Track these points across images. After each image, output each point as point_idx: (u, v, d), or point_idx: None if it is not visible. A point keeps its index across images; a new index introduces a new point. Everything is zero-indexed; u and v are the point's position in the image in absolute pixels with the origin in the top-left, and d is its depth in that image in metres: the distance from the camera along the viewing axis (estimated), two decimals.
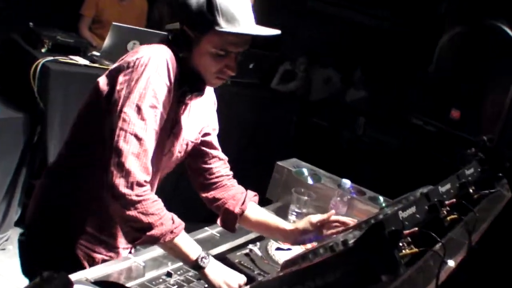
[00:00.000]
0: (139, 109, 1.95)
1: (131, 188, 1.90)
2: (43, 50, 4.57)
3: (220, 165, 2.54)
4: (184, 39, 2.10)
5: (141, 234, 1.93)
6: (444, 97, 6.36)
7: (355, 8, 9.31)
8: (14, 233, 4.50)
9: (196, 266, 2.05)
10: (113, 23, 4.69)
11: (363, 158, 7.25)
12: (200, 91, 2.23)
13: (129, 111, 1.95)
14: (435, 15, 7.49)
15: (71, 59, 4.60)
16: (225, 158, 2.58)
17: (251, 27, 2.10)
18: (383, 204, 3.16)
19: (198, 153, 2.49)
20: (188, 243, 2.05)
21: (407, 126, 7.11)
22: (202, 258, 2.05)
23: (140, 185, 1.92)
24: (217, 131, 2.57)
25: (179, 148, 2.35)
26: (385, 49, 8.68)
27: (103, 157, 1.97)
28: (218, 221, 2.54)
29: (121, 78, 2.03)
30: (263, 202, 3.37)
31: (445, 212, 1.81)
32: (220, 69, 2.13)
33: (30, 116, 4.34)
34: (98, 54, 4.90)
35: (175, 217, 2.02)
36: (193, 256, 2.04)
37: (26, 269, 2.37)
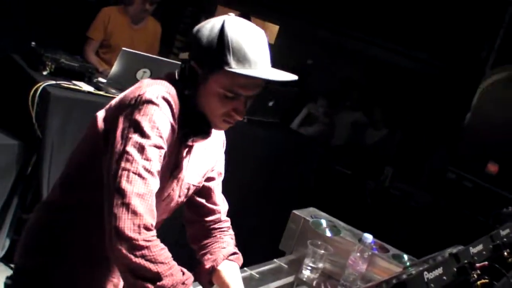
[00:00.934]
0: (142, 149, 1.94)
1: (138, 232, 1.87)
2: (44, 73, 4.57)
3: (214, 219, 2.53)
4: (191, 75, 2.10)
5: (147, 285, 1.88)
6: (481, 149, 6.37)
7: (389, 47, 9.37)
8: None
9: None
10: (123, 48, 4.71)
11: (388, 212, 7.22)
12: (204, 134, 2.22)
13: (131, 150, 1.93)
14: (475, 59, 7.52)
15: (74, 84, 4.59)
16: (223, 209, 2.57)
17: (264, 70, 2.07)
18: (407, 263, 3.14)
19: (192, 203, 2.49)
20: None
21: (439, 179, 7.10)
22: None
23: (147, 228, 1.89)
24: (222, 177, 2.57)
25: (179, 192, 2.34)
26: (418, 92, 8.71)
27: (99, 199, 1.98)
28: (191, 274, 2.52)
29: (121, 116, 2.01)
30: (276, 253, 3.38)
31: (475, 275, 1.81)
32: (226, 112, 2.11)
33: (25, 143, 4.33)
34: (104, 81, 4.91)
35: (183, 268, 2.00)
36: None
37: None
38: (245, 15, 6.18)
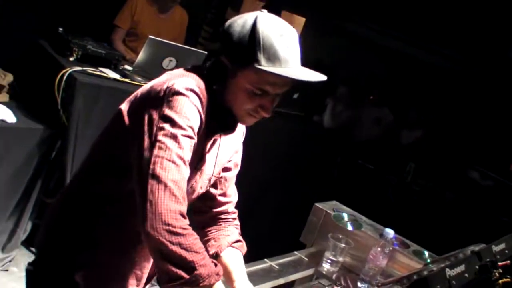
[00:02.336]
0: (175, 137, 1.94)
1: (175, 218, 1.86)
2: (71, 59, 4.60)
3: (222, 210, 2.53)
4: (220, 69, 2.09)
5: (181, 273, 1.86)
6: (506, 147, 6.33)
7: (417, 44, 9.31)
8: (20, 254, 4.52)
9: None
10: (150, 36, 4.72)
11: (410, 208, 7.19)
12: (230, 129, 2.21)
13: (164, 139, 1.93)
14: (506, 58, 7.47)
15: (100, 71, 4.62)
16: (233, 201, 2.57)
17: (293, 69, 2.06)
18: (428, 260, 3.13)
19: (204, 194, 2.47)
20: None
21: (463, 177, 7.06)
22: None
23: (183, 216, 1.89)
24: (238, 169, 2.56)
25: (202, 184, 2.35)
26: (447, 90, 8.65)
27: (126, 187, 2.01)
28: None
29: (151, 107, 2.00)
30: (296, 246, 3.38)
31: (497, 274, 1.80)
32: (253, 108, 2.11)
33: (50, 128, 4.36)
34: (130, 68, 4.93)
35: (213, 259, 2.00)
36: None
37: None
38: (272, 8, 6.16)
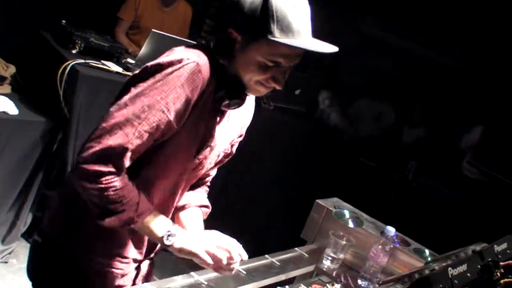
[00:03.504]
0: (149, 107, 1.99)
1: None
2: (73, 52, 4.61)
3: (206, 180, 2.62)
4: (229, 43, 2.07)
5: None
6: (509, 146, 6.32)
7: (421, 41, 9.30)
8: (20, 247, 4.54)
9: (164, 245, 2.11)
10: (153, 30, 4.72)
11: (411, 206, 7.19)
12: (239, 99, 2.19)
13: (134, 104, 2.00)
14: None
15: (103, 64, 4.63)
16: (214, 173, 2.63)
17: (307, 41, 2.05)
18: (429, 258, 3.12)
19: None
20: (155, 222, 2.11)
21: (465, 175, 7.06)
22: (168, 236, 2.09)
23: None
24: (242, 138, 2.57)
25: (211, 160, 2.36)
26: (452, 88, 8.65)
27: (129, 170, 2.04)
28: None
29: (147, 77, 2.05)
30: (297, 242, 3.37)
31: (499, 274, 1.80)
32: (265, 79, 2.10)
33: (52, 121, 4.37)
34: (133, 61, 4.93)
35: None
36: (159, 234, 2.10)
37: (33, 274, 2.38)
38: None
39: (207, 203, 2.59)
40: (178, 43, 4.85)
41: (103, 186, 1.97)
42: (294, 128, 6.06)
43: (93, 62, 4.54)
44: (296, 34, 2.01)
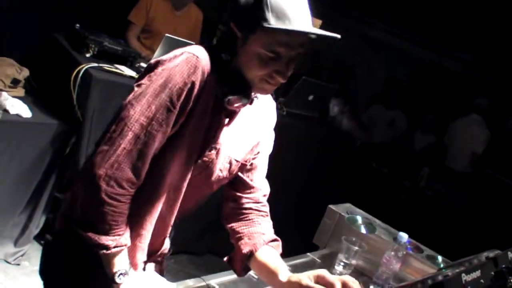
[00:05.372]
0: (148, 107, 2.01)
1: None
2: (87, 55, 4.63)
3: (252, 197, 2.45)
4: (230, 38, 2.07)
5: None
6: None
7: (432, 48, 9.30)
8: (32, 249, 4.55)
9: (112, 281, 2.09)
10: (166, 34, 4.72)
11: (424, 212, 7.18)
12: (244, 96, 2.13)
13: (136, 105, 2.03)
14: None
15: (116, 68, 4.65)
16: (264, 191, 2.49)
17: (304, 26, 2.01)
18: (442, 265, 3.12)
19: (235, 178, 2.42)
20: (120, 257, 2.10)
21: (477, 182, 7.05)
22: (120, 274, 2.08)
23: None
24: (265, 157, 2.49)
25: (221, 166, 2.29)
26: (463, 94, 8.64)
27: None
28: (225, 259, 2.45)
29: (149, 74, 2.08)
30: (309, 247, 3.38)
31: None
32: (268, 73, 2.06)
33: (65, 124, 4.39)
34: (145, 66, 4.93)
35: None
36: (114, 269, 2.08)
37: (45, 272, 2.38)
38: None
39: (273, 236, 2.44)
40: None
41: (106, 200, 1.98)
42: (307, 134, 6.05)
43: (106, 66, 4.56)
44: (293, 20, 1.98)
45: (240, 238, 2.38)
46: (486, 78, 8.77)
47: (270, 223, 2.49)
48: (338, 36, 2.03)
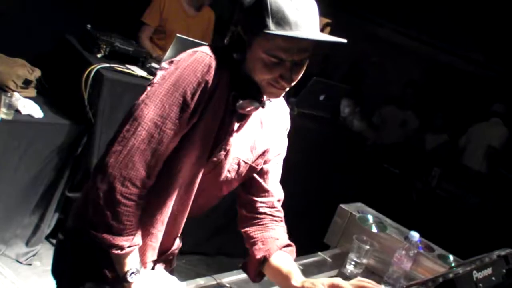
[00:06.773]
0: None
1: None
2: (98, 56, 4.64)
3: (266, 202, 2.45)
4: (238, 41, 2.07)
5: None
6: None
7: (446, 49, 9.28)
8: (43, 249, 4.56)
9: (124, 280, 2.10)
10: (178, 35, 4.72)
11: (435, 212, 7.17)
12: (254, 99, 2.14)
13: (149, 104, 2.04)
14: None
15: (128, 68, 4.65)
16: (278, 196, 2.49)
17: (305, 32, 2.00)
18: (453, 264, 3.11)
19: (250, 182, 2.43)
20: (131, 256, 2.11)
21: (487, 181, 7.04)
22: (132, 273, 2.09)
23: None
24: (282, 157, 2.50)
25: (229, 167, 2.28)
26: (475, 94, 8.63)
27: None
28: (239, 265, 2.48)
29: (162, 75, 2.08)
30: (320, 246, 3.37)
31: None
32: (273, 78, 2.06)
33: (77, 124, 4.39)
34: (157, 66, 4.93)
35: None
36: (125, 268, 2.10)
37: (57, 270, 2.39)
38: None
39: (287, 241, 2.44)
40: None
41: (121, 200, 2.00)
42: (318, 133, 6.05)
43: (118, 66, 4.56)
44: (294, 26, 1.97)
45: (254, 243, 2.39)
46: (497, 78, 8.75)
47: (284, 228, 2.49)
48: (342, 40, 2.00)
